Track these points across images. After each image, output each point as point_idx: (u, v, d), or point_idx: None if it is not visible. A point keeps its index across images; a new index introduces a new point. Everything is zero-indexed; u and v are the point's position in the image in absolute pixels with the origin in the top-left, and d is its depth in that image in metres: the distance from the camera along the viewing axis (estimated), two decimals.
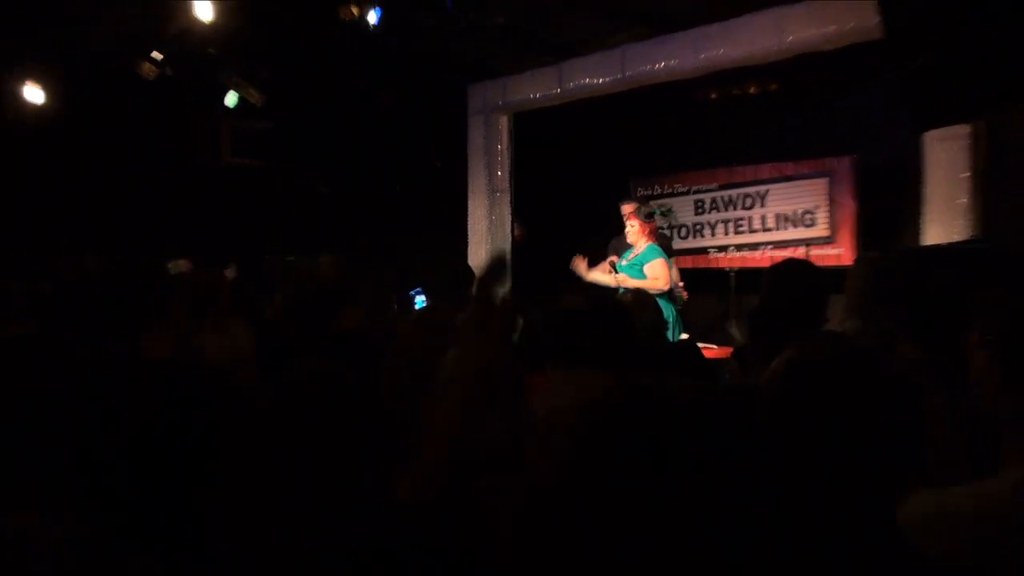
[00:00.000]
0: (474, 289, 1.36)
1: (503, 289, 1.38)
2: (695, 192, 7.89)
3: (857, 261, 2.76)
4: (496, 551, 1.04)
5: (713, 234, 7.74)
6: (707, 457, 1.07)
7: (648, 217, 5.44)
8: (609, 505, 0.99)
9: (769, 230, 7.39)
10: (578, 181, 8.03)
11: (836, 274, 2.77)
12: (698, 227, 7.85)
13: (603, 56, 6.25)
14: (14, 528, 0.98)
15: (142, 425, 1.09)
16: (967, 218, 4.56)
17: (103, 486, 1.07)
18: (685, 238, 7.82)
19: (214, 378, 1.22)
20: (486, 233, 7.31)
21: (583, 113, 6.88)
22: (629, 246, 5.42)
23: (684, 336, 5.14)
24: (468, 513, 1.10)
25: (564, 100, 6.68)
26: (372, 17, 5.56)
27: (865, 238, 6.73)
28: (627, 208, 5.59)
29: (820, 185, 7.04)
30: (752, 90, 7.12)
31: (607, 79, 6.25)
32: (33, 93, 6.50)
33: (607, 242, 5.87)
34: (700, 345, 3.46)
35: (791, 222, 7.23)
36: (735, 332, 6.82)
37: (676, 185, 8.02)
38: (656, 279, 5.11)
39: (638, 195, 7.66)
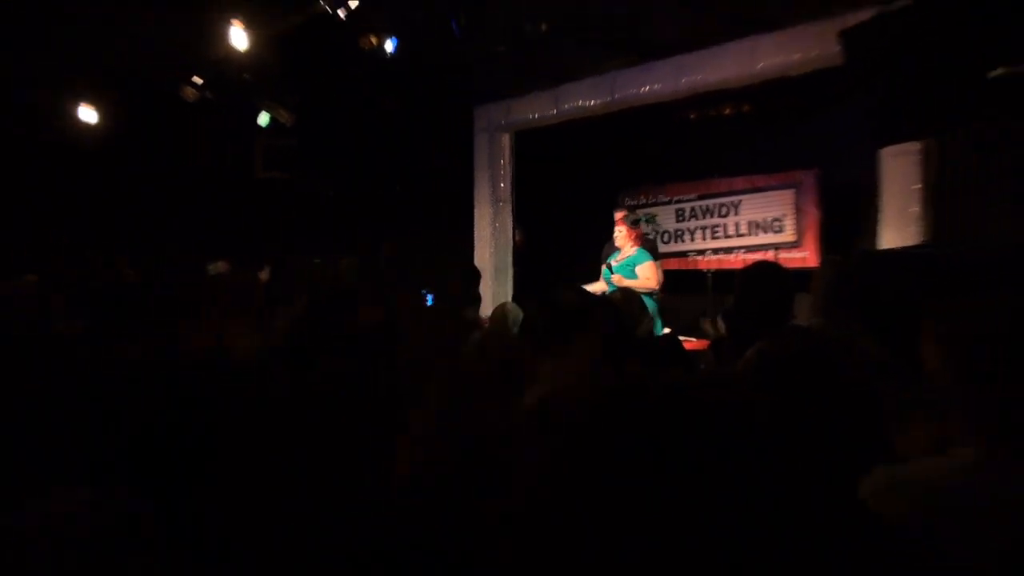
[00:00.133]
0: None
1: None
2: (677, 202, 7.89)
3: (822, 264, 2.77)
4: (496, 551, 0.99)
5: (693, 239, 7.73)
6: (705, 447, 1.04)
7: (634, 224, 5.48)
8: (607, 501, 0.96)
9: (742, 235, 7.37)
10: (573, 192, 8.02)
11: (802, 275, 2.79)
12: (679, 233, 7.84)
13: (595, 81, 6.23)
14: (14, 528, 0.89)
15: (142, 425, 1.02)
16: (919, 225, 4.55)
17: (106, 482, 0.99)
18: (668, 243, 7.80)
19: (244, 374, 1.17)
20: (490, 239, 7.29)
21: (577, 131, 6.86)
22: (617, 249, 5.46)
23: (667, 330, 5.13)
24: (468, 513, 1.03)
25: (560, 120, 6.65)
26: (389, 46, 5.57)
27: (828, 243, 6.72)
28: (618, 215, 5.62)
29: (787, 196, 7.04)
30: (727, 111, 7.11)
31: (599, 101, 6.23)
32: (87, 113, 6.52)
33: (598, 247, 5.88)
34: (681, 338, 3.45)
35: (762, 228, 7.23)
36: (710, 329, 6.81)
37: (660, 195, 8.02)
38: (648, 279, 5.16)
39: (626, 204, 7.66)
